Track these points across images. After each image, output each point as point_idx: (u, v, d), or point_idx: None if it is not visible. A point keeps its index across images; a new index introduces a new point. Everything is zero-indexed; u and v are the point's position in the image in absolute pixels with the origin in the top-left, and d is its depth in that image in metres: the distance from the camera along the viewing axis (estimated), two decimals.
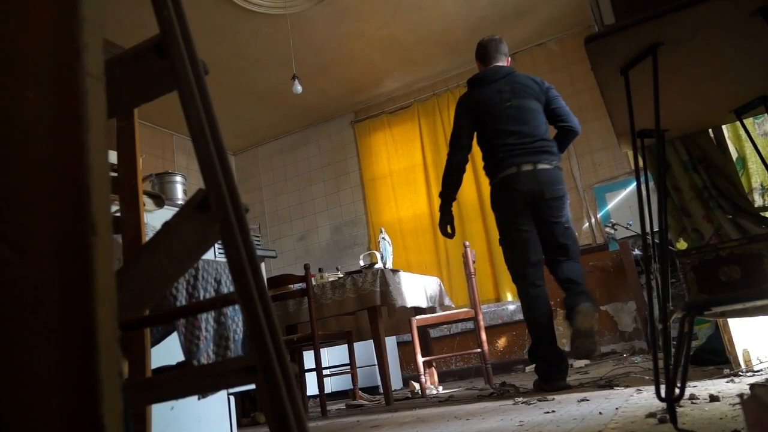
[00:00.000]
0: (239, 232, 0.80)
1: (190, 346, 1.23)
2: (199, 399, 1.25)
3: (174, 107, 4.81)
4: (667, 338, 1.00)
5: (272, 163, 6.51)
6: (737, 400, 1.54)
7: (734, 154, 1.89)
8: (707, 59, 1.33)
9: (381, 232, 3.87)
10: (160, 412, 1.80)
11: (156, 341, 1.54)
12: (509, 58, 3.07)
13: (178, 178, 2.11)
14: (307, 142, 6.33)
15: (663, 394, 1.23)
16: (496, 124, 2.75)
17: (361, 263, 3.80)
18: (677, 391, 1.19)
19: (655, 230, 1.70)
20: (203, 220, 0.84)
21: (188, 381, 0.81)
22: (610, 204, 4.84)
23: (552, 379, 2.55)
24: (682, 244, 1.77)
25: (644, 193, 1.52)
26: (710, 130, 1.70)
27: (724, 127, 1.74)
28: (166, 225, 0.82)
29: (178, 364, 1.35)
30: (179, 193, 2.18)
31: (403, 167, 5.70)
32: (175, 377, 0.82)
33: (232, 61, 4.83)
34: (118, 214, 1.16)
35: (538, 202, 2.63)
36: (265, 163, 6.55)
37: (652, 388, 2.12)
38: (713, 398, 1.59)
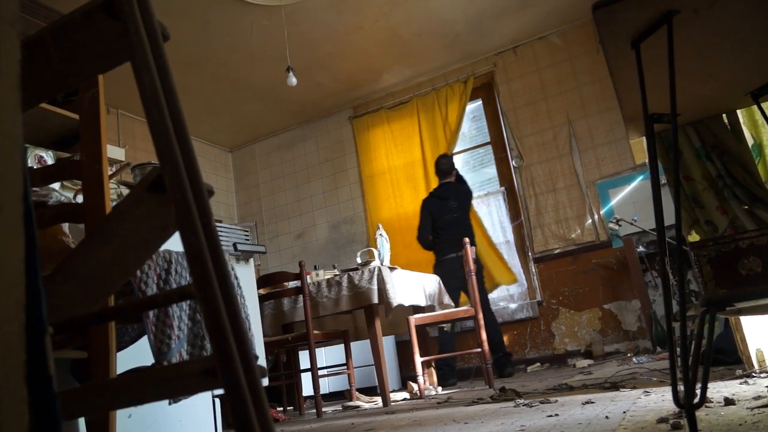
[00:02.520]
0: (198, 216, 0.70)
1: (160, 346, 1.12)
2: (170, 404, 1.15)
3: None
4: (684, 337, 0.90)
5: (269, 159, 6.41)
6: (755, 403, 1.43)
7: (750, 141, 1.78)
8: (724, 34, 1.23)
9: (378, 228, 3.77)
10: (137, 416, 1.70)
11: (132, 340, 1.44)
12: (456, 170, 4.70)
13: None
14: (304, 139, 6.23)
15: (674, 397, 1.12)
16: (444, 225, 4.44)
17: (358, 261, 3.70)
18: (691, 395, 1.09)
19: (666, 225, 1.60)
20: (160, 203, 0.74)
21: (141, 386, 0.70)
22: (614, 200, 4.73)
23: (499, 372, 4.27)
24: (694, 237, 1.66)
25: (653, 183, 1.41)
26: (724, 115, 1.59)
27: (738, 111, 1.64)
28: (117, 209, 0.72)
29: (153, 365, 1.25)
30: None
31: (402, 163, 5.59)
32: (128, 382, 0.72)
33: (227, 55, 4.73)
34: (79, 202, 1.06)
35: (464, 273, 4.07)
36: (263, 159, 6.45)
37: (660, 390, 2.01)
38: (728, 401, 1.49)
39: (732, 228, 1.52)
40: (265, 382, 2.26)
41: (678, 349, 1.28)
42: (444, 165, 4.64)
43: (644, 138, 2.06)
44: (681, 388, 1.22)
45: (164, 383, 0.70)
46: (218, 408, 1.75)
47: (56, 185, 1.56)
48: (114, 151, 1.98)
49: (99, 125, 1.06)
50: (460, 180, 4.69)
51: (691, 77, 1.37)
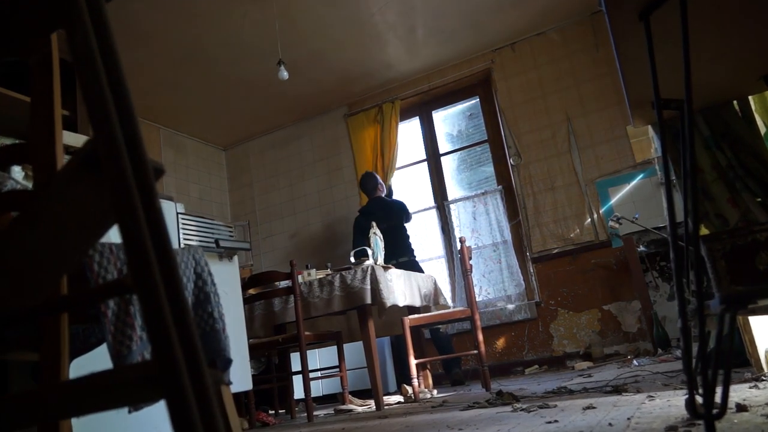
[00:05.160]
0: (139, 196, 0.59)
1: (119, 348, 1.01)
2: (130, 412, 1.05)
3: (161, 99, 4.55)
4: (703, 339, 0.80)
5: (263, 158, 6.30)
6: None
7: (762, 129, 1.69)
8: (739, 10, 1.13)
9: (372, 226, 3.66)
10: (109, 421, 1.60)
11: (98, 342, 1.33)
12: (380, 186, 4.88)
13: None
14: (299, 137, 6.13)
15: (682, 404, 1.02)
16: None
17: (352, 260, 3.60)
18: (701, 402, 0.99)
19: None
20: (97, 182, 0.63)
21: (74, 395, 0.60)
22: (614, 199, 4.64)
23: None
24: (702, 231, 1.56)
25: (664, 170, 1.30)
26: (735, 102, 1.50)
27: (750, 98, 1.54)
28: (47, 189, 0.62)
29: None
30: None
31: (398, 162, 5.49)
32: (61, 390, 0.62)
33: (219, 50, 4.63)
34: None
35: None
36: (256, 158, 6.34)
37: (665, 394, 1.91)
38: (741, 408, 1.39)
39: (744, 222, 1.42)
40: (246, 387, 2.15)
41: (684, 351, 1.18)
42: (366, 183, 4.91)
43: (650, 127, 1.96)
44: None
45: (99, 393, 0.59)
46: None
47: (19, 174, 1.46)
48: None
49: (51, 99, 0.95)
50: (389, 195, 5.09)
51: (702, 58, 1.27)
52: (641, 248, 4.07)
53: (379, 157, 5.49)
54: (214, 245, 1.92)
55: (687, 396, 0.89)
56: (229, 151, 6.51)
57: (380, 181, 4.94)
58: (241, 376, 2.15)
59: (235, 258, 2.13)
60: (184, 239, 1.80)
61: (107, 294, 0.60)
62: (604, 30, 4.83)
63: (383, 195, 4.90)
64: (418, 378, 3.42)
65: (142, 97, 5.10)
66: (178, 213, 1.88)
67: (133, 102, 0.63)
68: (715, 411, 0.77)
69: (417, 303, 3.61)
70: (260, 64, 4.85)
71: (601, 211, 4.66)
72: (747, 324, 1.91)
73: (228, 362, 1.15)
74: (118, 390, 0.58)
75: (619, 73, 1.25)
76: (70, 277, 0.99)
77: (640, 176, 4.55)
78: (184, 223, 1.87)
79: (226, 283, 2.00)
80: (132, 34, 4.21)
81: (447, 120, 5.77)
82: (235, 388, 2.12)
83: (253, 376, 4.16)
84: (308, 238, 5.88)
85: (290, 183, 6.09)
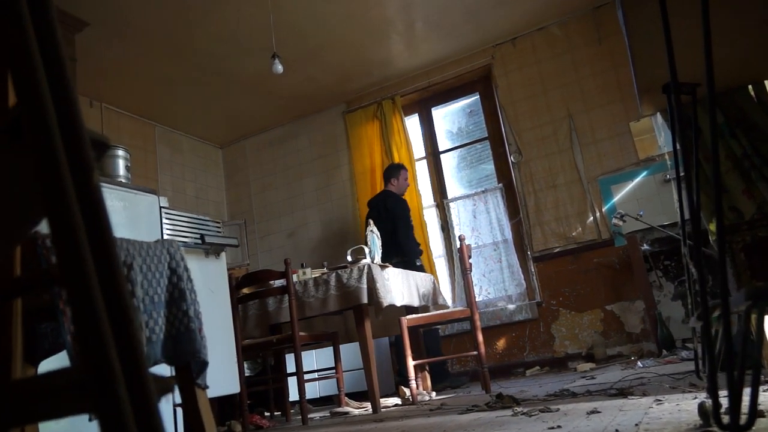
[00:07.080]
0: (71, 172, 0.50)
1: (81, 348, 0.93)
2: (90, 419, 0.96)
3: (156, 96, 4.46)
4: (729, 341, 0.71)
5: (260, 156, 6.21)
6: None
7: None
8: None
9: (369, 224, 3.57)
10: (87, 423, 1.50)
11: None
12: (394, 179, 4.59)
13: (120, 152, 1.81)
14: (296, 135, 6.04)
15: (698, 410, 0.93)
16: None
17: (349, 258, 3.51)
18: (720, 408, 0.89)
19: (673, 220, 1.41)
20: (26, 156, 0.54)
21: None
22: (617, 197, 4.54)
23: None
24: (712, 227, 1.47)
25: (683, 155, 1.21)
26: (750, 86, 1.40)
27: (766, 82, 1.45)
28: None
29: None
30: (120, 170, 1.85)
31: (397, 160, 5.39)
32: None
33: (213, 46, 4.53)
34: None
35: None
36: (253, 156, 6.25)
37: (673, 398, 1.82)
38: (759, 414, 1.29)
39: (760, 214, 1.33)
40: (234, 389, 2.06)
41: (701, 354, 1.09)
42: (385, 171, 4.74)
43: (657, 117, 1.86)
44: (699, 398, 1.02)
45: (21, 403, 0.50)
46: (180, 418, 1.55)
47: None
48: None
49: (6, 82, 0.85)
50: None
51: (717, 34, 1.18)
52: (645, 247, 3.98)
53: (384, 154, 5.38)
54: (199, 241, 1.83)
55: (701, 402, 0.80)
56: (225, 149, 6.42)
57: (401, 175, 4.59)
58: (229, 378, 2.06)
59: (223, 255, 2.04)
60: (168, 234, 1.72)
61: (37, 285, 0.52)
62: (607, 24, 4.73)
63: (394, 190, 4.56)
64: (416, 380, 3.33)
65: (137, 94, 5.02)
66: (161, 207, 1.79)
67: (67, 61, 0.54)
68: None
69: (415, 303, 3.51)
70: (256, 61, 4.75)
71: (603, 210, 4.57)
72: (761, 324, 1.82)
73: (203, 365, 1.06)
74: (43, 399, 0.49)
75: (627, 51, 1.16)
76: (25, 269, 0.90)
77: (644, 173, 4.46)
78: (168, 218, 1.78)
79: (213, 281, 1.90)
80: (124, 29, 4.12)
81: (447, 117, 5.68)
82: (223, 391, 2.03)
83: (248, 377, 4.08)
84: (306, 237, 5.79)
85: (287, 181, 6.00)
